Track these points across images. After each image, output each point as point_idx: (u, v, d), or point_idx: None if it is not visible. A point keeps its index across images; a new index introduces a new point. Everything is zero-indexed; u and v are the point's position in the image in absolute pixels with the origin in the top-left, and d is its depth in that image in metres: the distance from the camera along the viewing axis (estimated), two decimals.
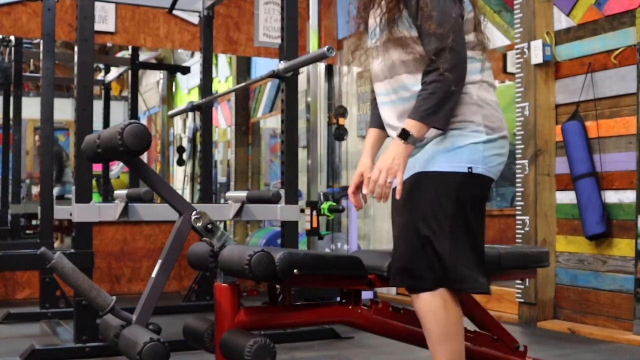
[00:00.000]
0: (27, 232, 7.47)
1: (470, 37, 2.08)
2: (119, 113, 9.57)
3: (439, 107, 1.94)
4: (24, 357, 3.14)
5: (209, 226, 2.08)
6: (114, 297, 2.00)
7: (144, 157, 8.10)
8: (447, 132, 2.02)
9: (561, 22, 4.07)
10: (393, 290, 4.95)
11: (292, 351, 3.37)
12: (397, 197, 1.97)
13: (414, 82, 2.04)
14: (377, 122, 2.28)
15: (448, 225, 1.97)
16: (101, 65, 8.05)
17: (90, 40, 3.32)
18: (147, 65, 8.91)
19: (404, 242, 2.02)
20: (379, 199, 1.95)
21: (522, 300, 4.13)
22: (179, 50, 8.37)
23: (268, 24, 5.40)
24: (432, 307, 1.99)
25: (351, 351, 3.41)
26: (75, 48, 3.35)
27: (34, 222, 7.26)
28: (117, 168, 9.97)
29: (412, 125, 1.96)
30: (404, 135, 1.96)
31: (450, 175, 2.00)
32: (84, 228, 3.31)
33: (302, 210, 4.30)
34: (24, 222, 7.08)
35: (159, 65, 9.35)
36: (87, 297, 1.99)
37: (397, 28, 2.04)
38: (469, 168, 2.00)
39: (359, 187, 2.20)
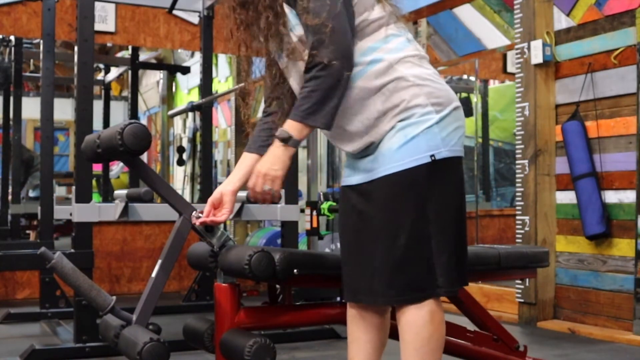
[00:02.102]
0: (27, 231, 7.48)
1: (375, 14, 1.87)
2: (119, 113, 9.57)
3: (321, 105, 1.77)
4: (24, 357, 3.14)
5: (209, 226, 2.08)
6: (114, 297, 2.00)
7: (144, 157, 8.10)
8: (396, 125, 1.83)
9: (561, 22, 4.07)
10: None
11: (292, 351, 3.37)
12: (276, 200, 1.82)
13: None
14: (256, 145, 2.06)
15: (430, 225, 1.80)
16: (101, 65, 8.05)
17: (90, 40, 3.32)
18: (147, 65, 8.92)
19: (382, 255, 1.81)
20: (262, 202, 1.84)
21: (522, 300, 4.13)
22: (179, 50, 8.37)
23: None
24: (419, 321, 1.81)
25: None
26: (75, 48, 3.35)
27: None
28: (117, 168, 9.97)
29: (292, 127, 1.79)
30: (284, 137, 1.79)
31: (414, 170, 1.80)
32: (84, 228, 3.31)
33: (302, 210, 4.31)
34: (24, 222, 7.08)
35: (159, 65, 9.35)
36: (87, 297, 1.99)
37: (290, 34, 1.85)
38: (432, 156, 1.81)
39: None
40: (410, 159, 1.80)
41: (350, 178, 1.94)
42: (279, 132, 1.81)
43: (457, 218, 1.87)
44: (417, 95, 1.82)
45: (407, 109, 1.82)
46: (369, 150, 1.89)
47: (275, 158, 1.81)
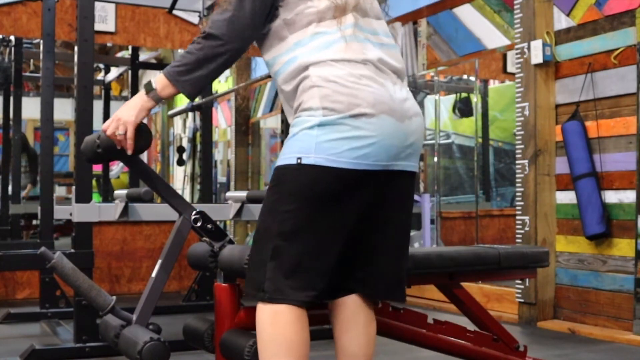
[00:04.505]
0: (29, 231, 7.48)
1: (314, 7, 1.76)
2: None
3: (190, 70, 1.76)
4: (24, 357, 3.14)
5: (209, 226, 2.08)
6: (114, 297, 2.00)
7: (144, 157, 8.09)
8: (292, 123, 1.79)
9: (561, 22, 4.07)
10: None
11: None
12: (125, 147, 1.85)
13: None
14: None
15: (271, 228, 1.74)
16: (101, 65, 8.05)
17: (90, 40, 3.32)
18: (147, 65, 8.91)
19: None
20: (117, 145, 1.87)
21: (522, 300, 4.13)
22: (179, 50, 8.37)
23: None
24: (260, 319, 1.75)
25: None
26: (75, 48, 3.34)
27: (34, 222, 7.27)
28: (117, 168, 9.97)
29: (159, 80, 1.81)
30: (148, 87, 1.82)
31: (281, 170, 1.76)
32: (84, 228, 3.31)
33: None
34: (23, 222, 7.08)
35: (159, 65, 9.34)
36: (87, 297, 1.99)
37: None
38: (298, 158, 1.71)
39: None
40: (283, 157, 1.76)
41: None
42: (147, 83, 1.84)
43: (302, 228, 1.72)
44: (313, 97, 1.72)
45: (302, 110, 1.74)
46: None
47: (134, 105, 1.84)
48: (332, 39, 1.76)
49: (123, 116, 1.84)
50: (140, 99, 1.84)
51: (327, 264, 1.75)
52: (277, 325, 1.72)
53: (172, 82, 1.79)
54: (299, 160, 1.71)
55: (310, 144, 1.70)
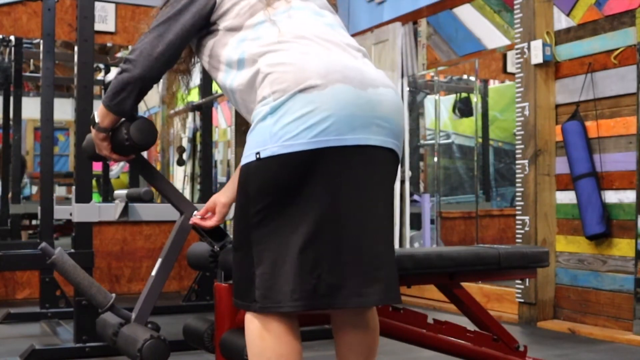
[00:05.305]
0: (28, 232, 7.47)
1: (247, 2, 1.75)
2: None
3: (116, 94, 1.80)
4: (24, 357, 3.14)
5: None
6: (114, 295, 2.00)
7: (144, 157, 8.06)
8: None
9: (561, 22, 4.07)
10: None
11: None
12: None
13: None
14: None
15: (243, 232, 1.66)
16: (101, 65, 8.06)
17: (90, 40, 3.32)
18: None
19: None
20: None
21: (522, 300, 4.13)
22: None
23: None
24: (249, 331, 1.69)
25: None
26: (75, 48, 3.35)
27: (34, 222, 7.28)
28: (117, 168, 9.97)
29: (99, 110, 1.87)
30: (92, 122, 1.89)
31: (243, 170, 1.66)
32: (84, 228, 3.31)
33: None
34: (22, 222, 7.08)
35: None
36: (87, 293, 1.99)
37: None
38: (257, 153, 1.61)
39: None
40: (244, 156, 1.66)
41: None
42: (91, 117, 1.90)
43: (279, 226, 1.62)
44: (265, 86, 1.63)
45: (258, 102, 1.65)
46: None
47: (94, 142, 1.93)
48: (269, 25, 1.71)
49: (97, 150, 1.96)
50: (92, 134, 1.92)
51: (317, 259, 1.60)
52: (267, 338, 1.66)
53: (106, 107, 1.83)
54: (257, 156, 1.61)
55: (265, 136, 1.60)
